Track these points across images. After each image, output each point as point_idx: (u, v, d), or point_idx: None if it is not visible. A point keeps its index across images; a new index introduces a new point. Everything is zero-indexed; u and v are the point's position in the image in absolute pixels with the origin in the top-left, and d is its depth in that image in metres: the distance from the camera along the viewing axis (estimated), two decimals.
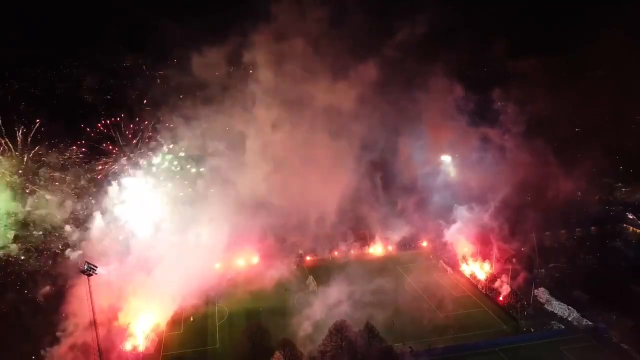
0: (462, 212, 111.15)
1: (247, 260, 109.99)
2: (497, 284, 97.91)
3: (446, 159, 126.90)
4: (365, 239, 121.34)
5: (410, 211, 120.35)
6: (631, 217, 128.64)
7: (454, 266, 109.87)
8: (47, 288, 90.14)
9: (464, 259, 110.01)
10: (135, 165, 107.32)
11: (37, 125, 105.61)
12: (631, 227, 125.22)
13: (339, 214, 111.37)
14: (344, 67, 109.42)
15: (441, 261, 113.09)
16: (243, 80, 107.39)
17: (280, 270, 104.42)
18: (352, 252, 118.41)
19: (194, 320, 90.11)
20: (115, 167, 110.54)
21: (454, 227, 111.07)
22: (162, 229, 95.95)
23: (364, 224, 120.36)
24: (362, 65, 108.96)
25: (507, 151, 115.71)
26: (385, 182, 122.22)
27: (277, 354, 71.32)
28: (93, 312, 68.84)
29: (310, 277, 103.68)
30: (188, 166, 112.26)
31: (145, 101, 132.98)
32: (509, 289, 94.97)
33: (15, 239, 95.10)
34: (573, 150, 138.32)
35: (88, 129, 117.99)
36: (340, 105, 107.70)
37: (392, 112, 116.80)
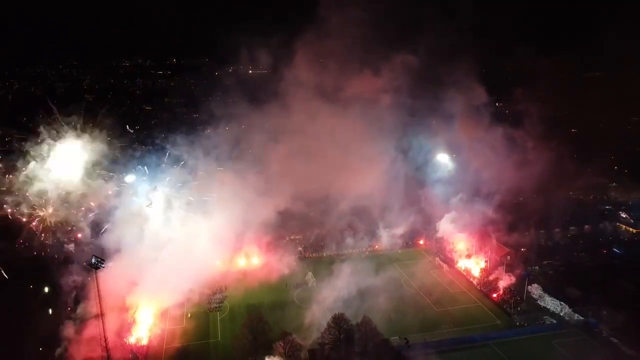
0: (454, 203, 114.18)
1: (248, 258, 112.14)
2: (492, 277, 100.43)
3: (444, 157, 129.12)
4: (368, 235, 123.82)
5: (416, 209, 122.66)
6: (624, 215, 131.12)
7: (450, 263, 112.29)
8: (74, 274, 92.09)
9: (455, 250, 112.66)
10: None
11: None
12: (624, 226, 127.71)
13: (351, 209, 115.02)
14: (370, 69, 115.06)
15: (437, 258, 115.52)
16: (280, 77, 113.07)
17: (281, 266, 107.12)
18: (353, 249, 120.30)
19: (191, 316, 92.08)
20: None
21: (447, 218, 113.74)
22: (175, 214, 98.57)
23: (367, 221, 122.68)
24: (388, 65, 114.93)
25: (508, 150, 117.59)
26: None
27: (278, 345, 73.53)
28: (100, 305, 70.92)
29: (310, 273, 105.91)
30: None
31: None
32: (513, 279, 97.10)
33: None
34: (570, 151, 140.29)
35: None
36: (365, 103, 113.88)
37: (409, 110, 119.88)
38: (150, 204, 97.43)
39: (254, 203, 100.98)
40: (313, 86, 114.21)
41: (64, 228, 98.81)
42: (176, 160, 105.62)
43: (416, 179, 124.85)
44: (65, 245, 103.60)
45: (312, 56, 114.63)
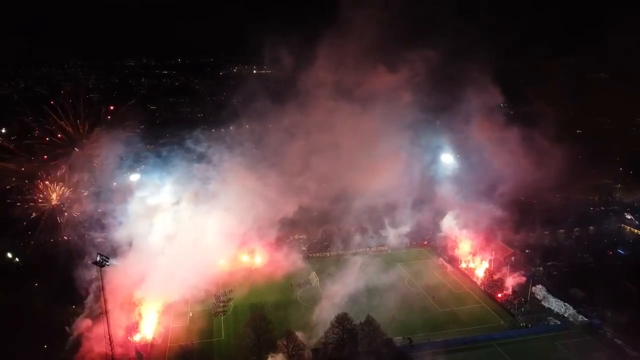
0: (458, 202, 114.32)
1: (252, 256, 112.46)
2: (496, 277, 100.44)
3: (448, 157, 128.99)
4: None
5: (420, 208, 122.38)
6: (629, 217, 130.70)
7: (454, 263, 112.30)
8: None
9: (459, 250, 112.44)
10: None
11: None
12: (628, 227, 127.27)
13: (356, 208, 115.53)
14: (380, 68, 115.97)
15: (441, 258, 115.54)
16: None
17: (285, 266, 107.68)
18: (357, 248, 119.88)
19: (192, 315, 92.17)
20: None
21: (450, 217, 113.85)
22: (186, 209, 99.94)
23: (371, 220, 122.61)
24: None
25: (513, 151, 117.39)
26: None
27: (281, 344, 73.71)
28: (105, 302, 71.33)
29: (313, 273, 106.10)
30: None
31: None
32: (519, 279, 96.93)
33: None
34: (575, 152, 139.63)
35: None
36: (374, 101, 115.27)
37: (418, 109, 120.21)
38: (177, 202, 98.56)
39: (263, 201, 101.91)
40: (322, 85, 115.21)
41: (93, 221, 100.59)
42: (187, 158, 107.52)
43: (421, 178, 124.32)
44: (93, 234, 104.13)
45: (322, 55, 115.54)
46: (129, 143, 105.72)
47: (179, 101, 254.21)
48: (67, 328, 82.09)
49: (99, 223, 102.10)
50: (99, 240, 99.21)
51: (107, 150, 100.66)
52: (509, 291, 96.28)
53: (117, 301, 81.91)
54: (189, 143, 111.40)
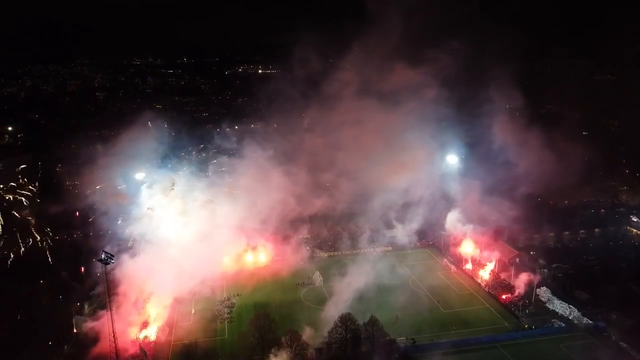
0: (463, 203, 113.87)
1: (256, 255, 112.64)
2: (500, 279, 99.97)
3: (453, 157, 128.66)
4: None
5: (425, 209, 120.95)
6: (635, 219, 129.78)
7: (458, 264, 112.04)
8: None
9: (459, 244, 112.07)
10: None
11: None
12: (634, 230, 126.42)
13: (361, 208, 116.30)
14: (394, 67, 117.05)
15: (445, 259, 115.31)
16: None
17: (289, 265, 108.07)
18: (362, 248, 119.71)
19: (195, 312, 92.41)
20: None
21: (455, 218, 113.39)
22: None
23: (375, 220, 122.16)
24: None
25: (519, 152, 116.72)
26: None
27: (284, 344, 73.71)
28: (109, 298, 71.65)
29: (317, 272, 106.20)
30: None
31: None
32: (524, 281, 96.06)
33: None
34: (581, 153, 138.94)
35: None
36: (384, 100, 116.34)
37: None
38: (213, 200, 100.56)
39: (270, 200, 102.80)
40: (334, 83, 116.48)
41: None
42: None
43: (431, 177, 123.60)
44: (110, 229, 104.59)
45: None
46: (151, 139, 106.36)
47: (185, 100, 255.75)
48: (73, 324, 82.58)
49: (116, 218, 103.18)
50: (114, 235, 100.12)
51: (131, 146, 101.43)
52: (522, 290, 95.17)
53: (125, 297, 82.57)
54: (206, 140, 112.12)
